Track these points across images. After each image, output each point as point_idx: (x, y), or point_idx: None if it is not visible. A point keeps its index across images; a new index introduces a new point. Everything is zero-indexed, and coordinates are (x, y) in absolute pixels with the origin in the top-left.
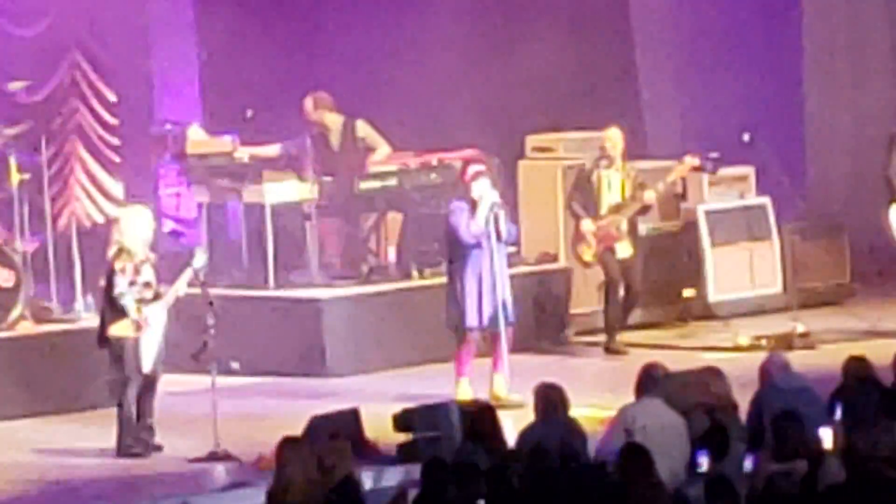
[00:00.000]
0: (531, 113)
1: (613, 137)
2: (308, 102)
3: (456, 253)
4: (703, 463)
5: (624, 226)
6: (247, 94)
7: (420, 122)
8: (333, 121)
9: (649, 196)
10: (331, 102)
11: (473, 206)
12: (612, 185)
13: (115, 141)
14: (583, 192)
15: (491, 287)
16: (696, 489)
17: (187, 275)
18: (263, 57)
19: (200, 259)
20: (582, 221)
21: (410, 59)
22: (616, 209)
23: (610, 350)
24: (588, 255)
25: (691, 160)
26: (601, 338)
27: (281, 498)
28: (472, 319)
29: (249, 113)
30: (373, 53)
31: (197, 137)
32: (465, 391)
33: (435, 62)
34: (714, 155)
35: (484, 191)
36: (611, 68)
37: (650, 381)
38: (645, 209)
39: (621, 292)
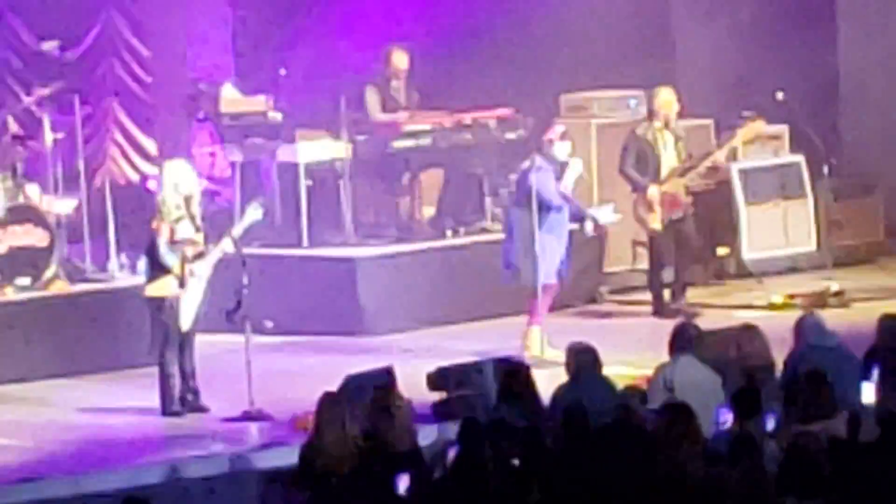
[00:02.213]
0: (566, 72)
1: (670, 98)
2: (405, 57)
3: (536, 210)
4: (727, 420)
5: (684, 190)
6: (280, 53)
7: (454, 81)
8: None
9: (718, 158)
10: None
11: (559, 166)
12: (668, 147)
13: (150, 99)
14: (638, 155)
15: (563, 245)
16: (717, 445)
17: (238, 230)
18: (296, 16)
19: (255, 213)
20: (649, 188)
21: (443, 17)
22: (680, 172)
23: (681, 311)
24: (655, 223)
25: (759, 123)
26: (635, 296)
27: (315, 454)
28: (550, 276)
29: (283, 72)
30: (404, 12)
31: (230, 96)
32: (536, 341)
33: (469, 21)
34: (748, 114)
35: (568, 154)
36: (645, 27)
37: (683, 340)
38: (714, 170)
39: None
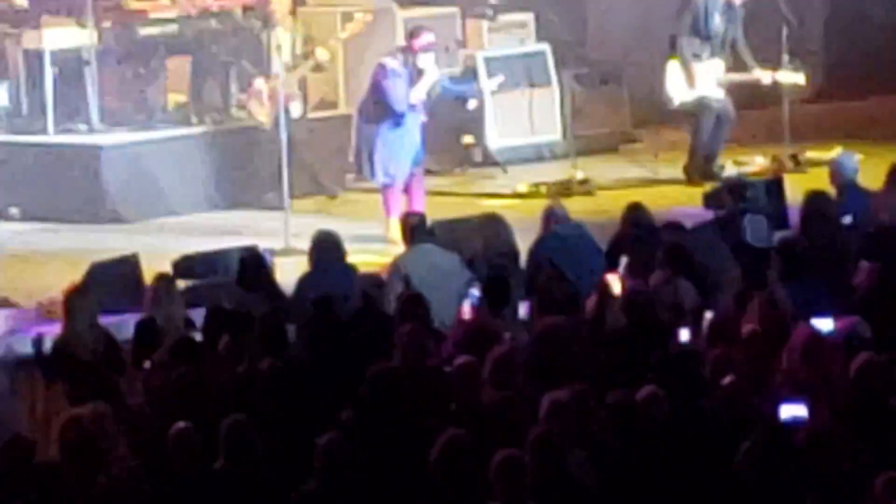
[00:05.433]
0: None
1: None
2: None
3: (380, 112)
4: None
5: (296, 86)
6: None
7: None
8: None
9: (322, 54)
10: None
11: (416, 74)
12: (283, 46)
13: None
14: (253, 52)
15: (411, 145)
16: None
17: None
18: None
19: None
20: (255, 80)
21: None
22: (289, 69)
23: None
24: (262, 115)
25: (367, 14)
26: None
27: (67, 344)
28: (395, 174)
29: None
30: None
31: None
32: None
33: None
34: (493, 1)
35: (430, 65)
36: None
37: (412, 229)
38: (318, 68)
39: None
